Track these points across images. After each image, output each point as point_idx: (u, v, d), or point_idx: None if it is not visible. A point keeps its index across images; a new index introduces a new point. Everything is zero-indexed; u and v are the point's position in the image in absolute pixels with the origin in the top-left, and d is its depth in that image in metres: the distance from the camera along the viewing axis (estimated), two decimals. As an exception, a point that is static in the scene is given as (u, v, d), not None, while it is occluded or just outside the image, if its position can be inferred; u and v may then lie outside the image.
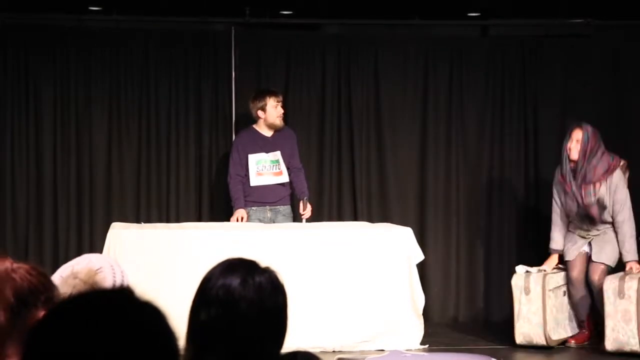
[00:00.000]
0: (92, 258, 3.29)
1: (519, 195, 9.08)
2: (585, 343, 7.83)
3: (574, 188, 7.68)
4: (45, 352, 1.51)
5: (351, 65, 9.03)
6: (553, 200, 7.88)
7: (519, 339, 7.68)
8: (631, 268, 7.59)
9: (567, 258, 7.81)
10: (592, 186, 7.64)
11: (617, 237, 7.69)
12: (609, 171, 7.67)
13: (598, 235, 7.74)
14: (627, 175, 7.81)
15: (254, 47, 8.96)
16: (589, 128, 7.68)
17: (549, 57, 9.11)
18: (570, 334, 7.85)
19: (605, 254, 7.69)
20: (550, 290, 7.67)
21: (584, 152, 7.65)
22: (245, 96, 8.68)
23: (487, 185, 9.09)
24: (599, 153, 7.67)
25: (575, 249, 7.77)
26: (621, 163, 7.75)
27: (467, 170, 9.08)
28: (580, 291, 7.80)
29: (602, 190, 7.64)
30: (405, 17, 9.11)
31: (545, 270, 7.79)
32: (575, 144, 7.66)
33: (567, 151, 7.69)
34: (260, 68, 8.97)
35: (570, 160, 7.69)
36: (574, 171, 7.68)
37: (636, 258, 7.65)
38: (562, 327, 7.80)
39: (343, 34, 9.29)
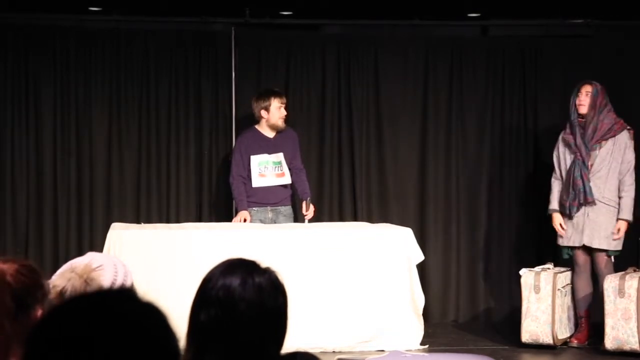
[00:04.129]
0: (95, 256, 3.31)
1: (519, 195, 9.08)
2: (586, 342, 7.84)
3: (578, 141, 7.72)
4: (46, 352, 1.51)
5: (351, 66, 9.03)
6: (553, 172, 7.90)
7: (525, 337, 7.68)
8: (619, 228, 7.62)
9: (569, 244, 7.81)
10: (598, 146, 7.67)
11: (617, 206, 7.69)
12: (617, 127, 7.70)
13: (587, 216, 7.72)
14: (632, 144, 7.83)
15: (254, 47, 8.97)
16: (598, 84, 7.76)
17: (549, 57, 9.11)
18: (570, 334, 7.87)
19: (598, 239, 7.68)
20: (558, 289, 7.69)
21: (593, 106, 7.72)
22: (245, 96, 8.69)
23: (487, 185, 9.09)
24: (606, 109, 7.73)
25: (577, 233, 7.77)
26: (628, 127, 7.78)
27: (467, 170, 9.08)
28: (584, 281, 7.82)
29: (609, 146, 7.66)
30: (405, 17, 9.11)
31: (549, 269, 7.81)
32: (585, 97, 7.74)
33: (575, 107, 7.76)
34: (260, 68, 8.97)
35: (579, 115, 7.73)
36: (583, 127, 7.72)
37: (629, 218, 7.65)
38: (564, 327, 7.81)
39: (343, 34, 9.29)
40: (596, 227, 7.68)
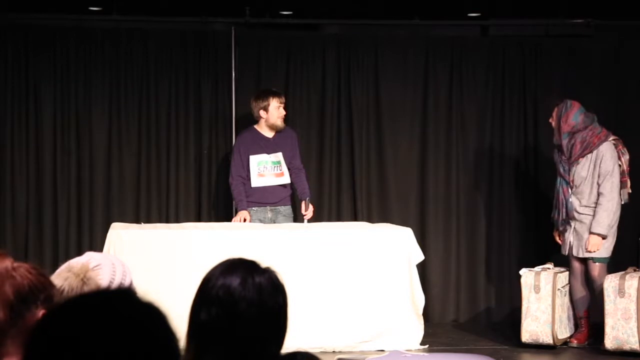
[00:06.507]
0: (94, 255, 3.29)
1: (519, 195, 9.08)
2: (585, 342, 7.84)
3: (556, 159, 7.81)
4: (46, 352, 1.51)
5: (351, 66, 9.03)
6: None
7: (525, 337, 7.68)
8: (588, 241, 7.57)
9: (564, 253, 7.84)
10: (575, 162, 7.67)
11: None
12: (595, 141, 7.65)
13: (574, 229, 7.72)
14: (625, 157, 7.76)
15: (254, 47, 8.97)
16: (566, 105, 7.73)
17: (549, 57, 9.11)
18: (570, 334, 7.87)
19: (582, 248, 7.67)
20: (558, 289, 7.69)
21: (557, 127, 7.76)
22: (245, 96, 8.69)
23: (487, 185, 9.09)
24: (582, 130, 7.67)
25: (566, 244, 7.79)
26: (611, 137, 7.73)
27: (467, 170, 9.08)
28: (579, 284, 7.82)
29: (586, 163, 7.63)
30: (405, 17, 9.11)
31: (549, 269, 7.81)
32: (551, 120, 7.84)
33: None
34: (260, 68, 8.97)
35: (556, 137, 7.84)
36: (560, 147, 7.78)
37: (601, 232, 7.57)
38: (564, 327, 7.81)
39: (343, 34, 9.29)
40: (581, 239, 7.69)
